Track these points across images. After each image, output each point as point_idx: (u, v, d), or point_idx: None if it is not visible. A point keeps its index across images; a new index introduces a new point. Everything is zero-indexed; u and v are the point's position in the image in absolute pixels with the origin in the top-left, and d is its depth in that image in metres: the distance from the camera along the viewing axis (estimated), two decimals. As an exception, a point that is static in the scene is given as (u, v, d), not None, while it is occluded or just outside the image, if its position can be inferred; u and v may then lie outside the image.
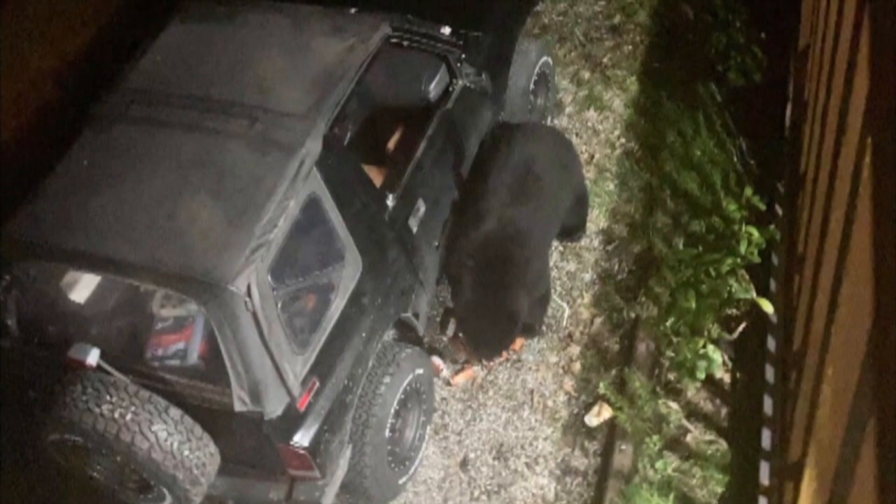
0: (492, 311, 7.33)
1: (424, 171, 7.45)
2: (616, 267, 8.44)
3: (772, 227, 7.89)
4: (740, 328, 7.70)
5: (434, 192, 7.55)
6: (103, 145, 6.77)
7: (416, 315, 7.40)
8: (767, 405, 7.06)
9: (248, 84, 6.86)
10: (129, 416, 6.01)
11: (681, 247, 8.25)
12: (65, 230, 6.38)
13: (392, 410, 6.91)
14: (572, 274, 8.44)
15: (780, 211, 8.20)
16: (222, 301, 5.91)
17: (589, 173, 8.92)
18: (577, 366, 7.90)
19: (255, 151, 6.41)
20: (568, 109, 9.66)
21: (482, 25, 8.28)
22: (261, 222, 6.07)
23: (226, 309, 5.92)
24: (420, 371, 7.19)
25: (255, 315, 5.94)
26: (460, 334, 7.54)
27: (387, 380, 6.86)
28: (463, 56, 7.88)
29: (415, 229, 7.31)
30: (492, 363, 7.94)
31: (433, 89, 8.05)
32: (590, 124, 9.51)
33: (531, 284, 7.46)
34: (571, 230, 8.43)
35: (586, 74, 9.96)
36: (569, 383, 7.82)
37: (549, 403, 7.72)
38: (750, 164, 8.79)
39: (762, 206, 8.14)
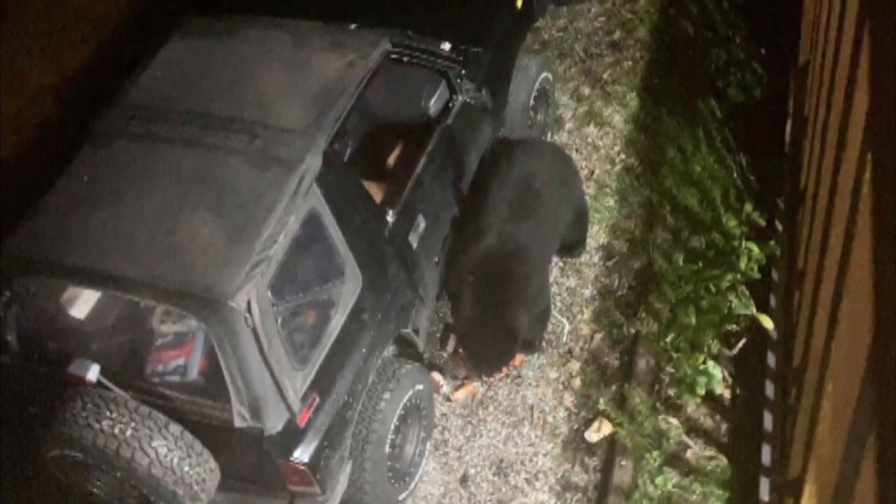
0: (492, 327, 7.33)
1: (424, 187, 7.45)
2: (616, 283, 8.44)
3: (772, 242, 7.90)
4: (740, 344, 7.71)
5: (434, 207, 7.55)
6: (103, 161, 6.78)
7: (416, 331, 7.40)
8: (767, 421, 7.06)
9: (247, 100, 6.87)
10: (129, 432, 6.00)
11: (681, 263, 8.25)
12: (65, 246, 6.38)
13: (392, 426, 6.90)
14: (572, 290, 8.44)
15: (780, 227, 8.21)
16: (222, 317, 5.91)
17: (589, 189, 8.93)
18: (577, 382, 7.90)
19: (255, 167, 6.42)
20: (568, 125, 9.67)
21: (482, 41, 8.30)
22: (261, 238, 6.07)
23: (226, 325, 5.92)
24: (420, 387, 7.18)
25: (255, 331, 5.93)
26: (460, 350, 7.54)
27: (387, 395, 6.85)
28: (463, 72, 7.90)
29: (415, 245, 7.31)
30: (492, 379, 7.93)
31: (433, 105, 8.06)
32: (590, 140, 9.52)
33: (531, 300, 7.46)
34: (571, 246, 8.43)
35: (586, 90, 9.97)
36: (569, 399, 7.81)
37: (549, 419, 7.72)
38: (750, 180, 8.81)
39: (762, 222, 8.15)
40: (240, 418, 6.09)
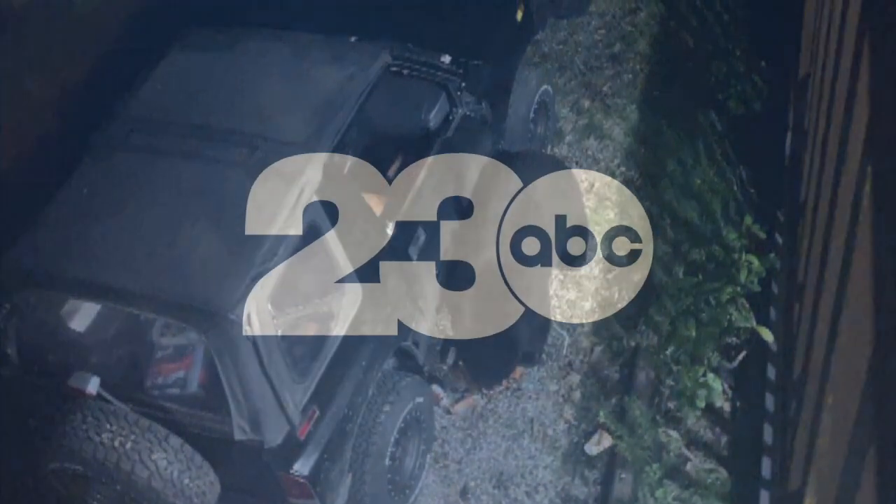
0: (492, 340, 7.32)
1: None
2: (616, 295, 8.43)
3: (772, 255, 7.89)
4: (740, 357, 7.69)
5: (434, 220, 7.54)
6: (103, 174, 6.78)
7: (416, 343, 7.38)
8: (767, 434, 7.05)
9: (248, 113, 6.87)
10: (129, 445, 5.99)
11: (681, 275, 8.23)
12: (65, 259, 6.38)
13: (392, 439, 6.89)
14: (572, 302, 8.43)
15: (780, 239, 8.20)
16: (222, 329, 5.90)
17: (589, 202, 8.92)
18: (577, 394, 7.88)
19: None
20: (568, 138, 9.67)
21: (482, 54, 8.29)
22: (261, 251, 6.07)
23: (226, 337, 5.91)
24: (420, 399, 7.17)
25: (255, 343, 5.93)
26: (460, 363, 7.53)
27: (387, 408, 6.84)
28: (463, 84, 7.90)
29: (414, 258, 7.30)
30: (492, 392, 7.92)
31: (433, 118, 8.04)
32: (590, 153, 9.52)
33: (531, 313, 7.45)
34: (572, 259, 8.42)
35: (586, 103, 9.97)
36: (569, 412, 7.80)
37: (549, 432, 7.71)
38: (750, 193, 8.79)
39: (762, 235, 8.14)
40: (240, 431, 6.09)
